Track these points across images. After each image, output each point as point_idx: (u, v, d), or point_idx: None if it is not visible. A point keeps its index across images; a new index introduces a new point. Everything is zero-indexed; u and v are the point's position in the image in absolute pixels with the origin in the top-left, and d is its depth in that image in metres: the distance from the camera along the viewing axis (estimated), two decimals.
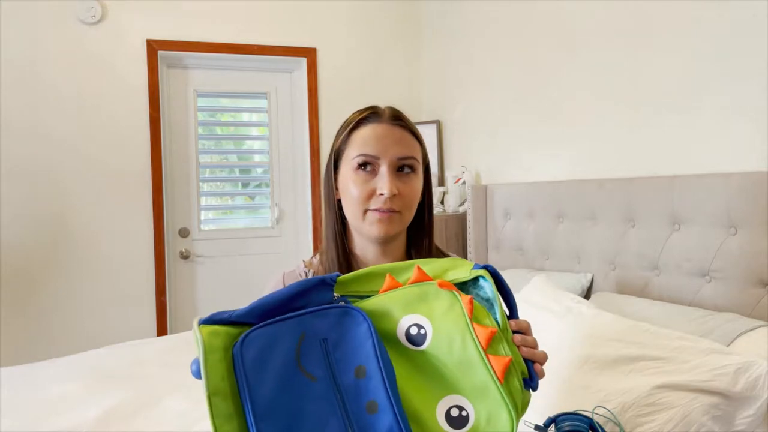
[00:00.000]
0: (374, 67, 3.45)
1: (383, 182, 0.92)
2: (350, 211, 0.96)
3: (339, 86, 3.37)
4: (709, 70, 1.78)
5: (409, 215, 0.97)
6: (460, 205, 2.98)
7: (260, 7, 3.22)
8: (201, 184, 3.23)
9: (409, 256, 1.02)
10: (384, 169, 0.93)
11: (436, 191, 3.10)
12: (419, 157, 0.97)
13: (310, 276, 1.00)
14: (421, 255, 1.01)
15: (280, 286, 1.00)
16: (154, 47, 3.02)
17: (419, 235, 1.02)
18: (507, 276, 2.34)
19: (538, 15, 2.54)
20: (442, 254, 1.05)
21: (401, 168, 0.95)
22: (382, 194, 0.91)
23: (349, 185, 0.94)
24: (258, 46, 3.20)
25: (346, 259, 1.00)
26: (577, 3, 2.31)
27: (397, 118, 0.97)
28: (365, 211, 0.94)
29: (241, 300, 3.58)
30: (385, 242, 0.98)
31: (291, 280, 1.01)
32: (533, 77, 2.58)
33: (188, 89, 3.20)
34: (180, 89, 3.19)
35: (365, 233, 0.95)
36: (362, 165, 0.94)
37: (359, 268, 0.98)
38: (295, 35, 3.28)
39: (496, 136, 2.86)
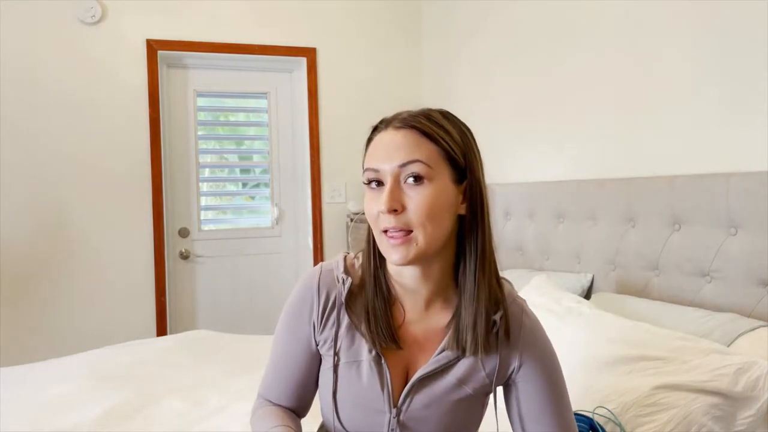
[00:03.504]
0: (374, 67, 3.44)
1: (382, 197, 0.80)
2: (373, 233, 0.86)
3: (339, 86, 3.37)
4: (710, 70, 1.78)
5: (429, 232, 0.80)
6: None
7: (260, 7, 3.22)
8: (201, 184, 3.23)
9: (456, 282, 0.88)
10: (387, 182, 0.81)
11: None
12: (432, 161, 0.81)
13: (347, 284, 0.90)
14: (468, 288, 0.86)
15: (314, 282, 0.92)
16: (154, 47, 3.02)
17: (465, 258, 0.86)
18: (507, 276, 2.34)
19: (538, 15, 2.53)
20: (498, 287, 0.89)
21: (408, 178, 0.81)
22: (382, 210, 0.80)
23: (364, 204, 0.86)
24: (258, 46, 3.20)
25: (386, 284, 0.90)
26: (577, 2, 2.30)
27: (403, 120, 0.83)
28: (381, 233, 0.83)
29: (241, 300, 3.57)
30: (415, 264, 0.84)
31: (327, 281, 0.92)
32: (533, 77, 2.58)
33: (188, 89, 3.20)
34: (180, 89, 3.19)
35: (387, 259, 0.85)
36: (369, 180, 0.83)
37: (398, 291, 0.90)
38: (295, 35, 3.28)
39: (496, 136, 2.86)
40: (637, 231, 1.94)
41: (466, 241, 0.85)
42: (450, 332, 0.87)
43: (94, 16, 2.91)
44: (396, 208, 0.79)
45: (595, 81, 2.23)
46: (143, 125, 3.02)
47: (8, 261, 2.82)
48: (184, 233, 3.19)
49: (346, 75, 3.39)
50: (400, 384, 0.88)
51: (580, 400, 1.35)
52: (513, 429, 0.93)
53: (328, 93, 3.35)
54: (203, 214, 3.25)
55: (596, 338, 1.47)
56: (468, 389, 0.87)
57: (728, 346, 1.43)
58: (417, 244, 0.80)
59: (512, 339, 0.88)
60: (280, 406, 0.97)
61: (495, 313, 0.87)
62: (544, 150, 2.53)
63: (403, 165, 0.80)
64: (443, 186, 0.82)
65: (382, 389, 0.87)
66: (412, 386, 0.87)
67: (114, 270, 2.99)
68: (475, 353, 0.85)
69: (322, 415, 0.95)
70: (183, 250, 3.18)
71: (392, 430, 0.87)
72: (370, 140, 0.87)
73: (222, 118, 3.36)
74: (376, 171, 0.82)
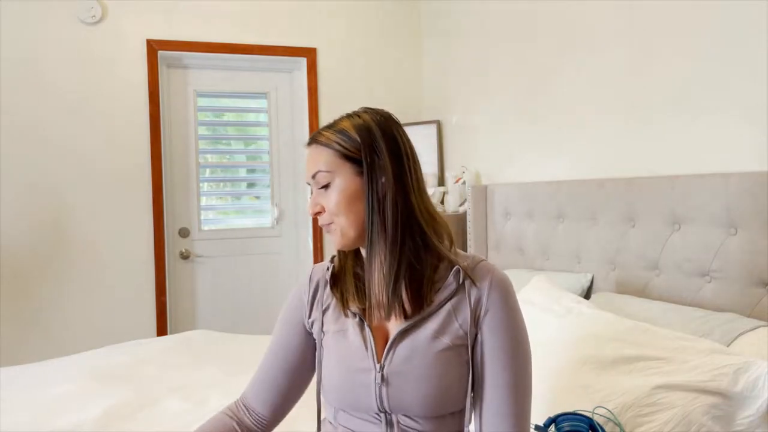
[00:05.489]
0: (374, 67, 3.44)
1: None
2: None
3: (339, 86, 3.37)
4: (709, 70, 1.78)
5: (346, 222, 0.96)
6: (460, 205, 2.98)
7: (261, 7, 3.22)
8: (201, 184, 3.23)
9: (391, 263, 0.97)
10: (313, 191, 1.01)
11: (437, 191, 3.10)
12: (331, 166, 0.97)
13: (331, 268, 1.05)
14: (411, 259, 0.95)
15: (307, 274, 1.09)
16: (154, 47, 3.02)
17: (375, 243, 0.96)
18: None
19: (538, 15, 2.53)
20: (450, 255, 0.97)
21: (322, 185, 0.98)
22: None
23: None
24: (258, 46, 3.20)
25: (353, 260, 1.05)
26: (576, 3, 2.30)
27: (311, 137, 1.01)
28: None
29: (241, 300, 3.57)
30: (353, 247, 1.01)
31: (317, 273, 1.08)
32: (533, 77, 2.58)
33: (188, 89, 3.20)
34: (180, 89, 3.19)
35: None
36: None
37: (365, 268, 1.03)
38: (295, 35, 3.28)
39: (496, 136, 2.86)
40: (637, 231, 1.94)
41: (387, 217, 0.95)
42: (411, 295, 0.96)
43: (94, 16, 2.91)
44: (318, 211, 0.99)
45: (595, 81, 2.23)
46: (143, 125, 3.02)
47: (8, 260, 2.82)
48: (184, 233, 3.19)
49: (346, 75, 3.39)
50: (384, 346, 0.97)
51: (579, 400, 1.35)
52: (471, 382, 0.95)
53: (328, 93, 3.35)
54: (203, 214, 3.25)
55: (596, 338, 1.47)
56: (445, 340, 0.94)
57: (728, 346, 1.43)
58: (340, 232, 0.98)
59: (480, 287, 0.96)
60: (233, 418, 1.09)
61: (436, 272, 0.97)
62: (544, 150, 2.53)
63: (313, 177, 0.99)
64: (346, 182, 0.96)
65: (366, 348, 0.97)
66: (393, 341, 0.96)
67: (114, 270, 2.99)
68: (395, 307, 0.95)
69: (317, 399, 1.04)
70: (183, 250, 3.18)
71: (377, 385, 0.94)
72: None
73: (222, 118, 3.36)
74: (308, 184, 1.01)
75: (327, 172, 0.97)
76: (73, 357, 2.11)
